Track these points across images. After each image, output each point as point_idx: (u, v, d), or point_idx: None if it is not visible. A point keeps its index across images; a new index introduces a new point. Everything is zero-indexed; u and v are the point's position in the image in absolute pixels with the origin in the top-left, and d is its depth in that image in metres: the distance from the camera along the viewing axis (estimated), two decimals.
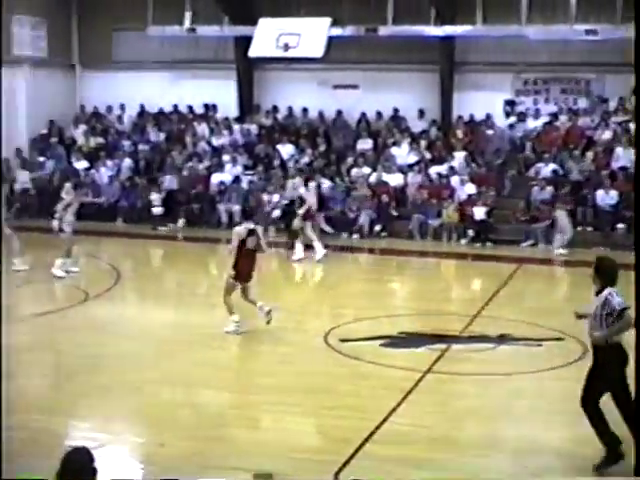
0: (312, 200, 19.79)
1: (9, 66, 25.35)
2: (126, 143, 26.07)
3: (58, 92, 27.11)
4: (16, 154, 25.23)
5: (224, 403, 10.69)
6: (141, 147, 25.84)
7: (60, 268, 16.88)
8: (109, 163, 25.04)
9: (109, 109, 27.46)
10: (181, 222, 23.20)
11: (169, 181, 23.86)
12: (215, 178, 23.82)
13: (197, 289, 17.48)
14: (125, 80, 26.79)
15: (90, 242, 20.07)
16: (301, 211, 19.71)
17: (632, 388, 8.32)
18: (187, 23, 24.63)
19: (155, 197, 23.28)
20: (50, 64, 27.07)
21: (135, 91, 26.67)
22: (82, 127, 26.85)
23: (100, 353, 12.25)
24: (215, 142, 25.59)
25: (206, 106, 26.65)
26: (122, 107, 27.23)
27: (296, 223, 19.72)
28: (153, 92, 26.69)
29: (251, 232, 13.19)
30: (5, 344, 10.30)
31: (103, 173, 24.75)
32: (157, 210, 23.10)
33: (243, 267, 13.11)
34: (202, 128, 26.08)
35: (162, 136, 26.26)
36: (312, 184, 20.22)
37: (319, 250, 19.41)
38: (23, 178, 24.62)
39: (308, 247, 19.54)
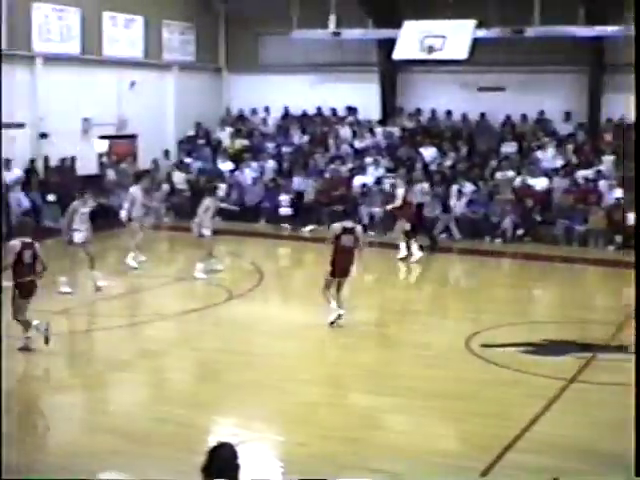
0: (412, 199, 19.93)
1: (159, 70, 26.27)
2: (270, 145, 26.44)
3: (205, 95, 27.78)
4: (164, 155, 25.97)
5: (364, 404, 10.68)
6: (284, 149, 26.16)
7: (202, 271, 17.26)
8: (253, 165, 25.40)
9: (254, 111, 27.98)
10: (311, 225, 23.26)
11: (298, 183, 24.06)
12: (357, 180, 23.87)
13: None
14: (270, 83, 27.24)
15: (234, 242, 20.45)
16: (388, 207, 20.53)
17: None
18: (331, 26, 24.75)
19: (284, 198, 23.49)
20: (198, 68, 27.81)
21: (279, 94, 27.10)
22: (228, 129, 27.42)
23: (244, 351, 12.50)
24: (357, 145, 25.69)
25: (349, 109, 26.82)
26: (267, 110, 27.70)
27: (406, 227, 19.70)
28: (297, 95, 27.03)
29: (346, 230, 13.52)
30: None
31: (247, 174, 25.11)
32: (285, 211, 23.30)
33: (339, 263, 13.55)
34: (345, 131, 26.22)
35: (305, 138, 26.54)
36: (421, 186, 20.82)
37: (402, 250, 19.45)
38: (177, 179, 25.18)
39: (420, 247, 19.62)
